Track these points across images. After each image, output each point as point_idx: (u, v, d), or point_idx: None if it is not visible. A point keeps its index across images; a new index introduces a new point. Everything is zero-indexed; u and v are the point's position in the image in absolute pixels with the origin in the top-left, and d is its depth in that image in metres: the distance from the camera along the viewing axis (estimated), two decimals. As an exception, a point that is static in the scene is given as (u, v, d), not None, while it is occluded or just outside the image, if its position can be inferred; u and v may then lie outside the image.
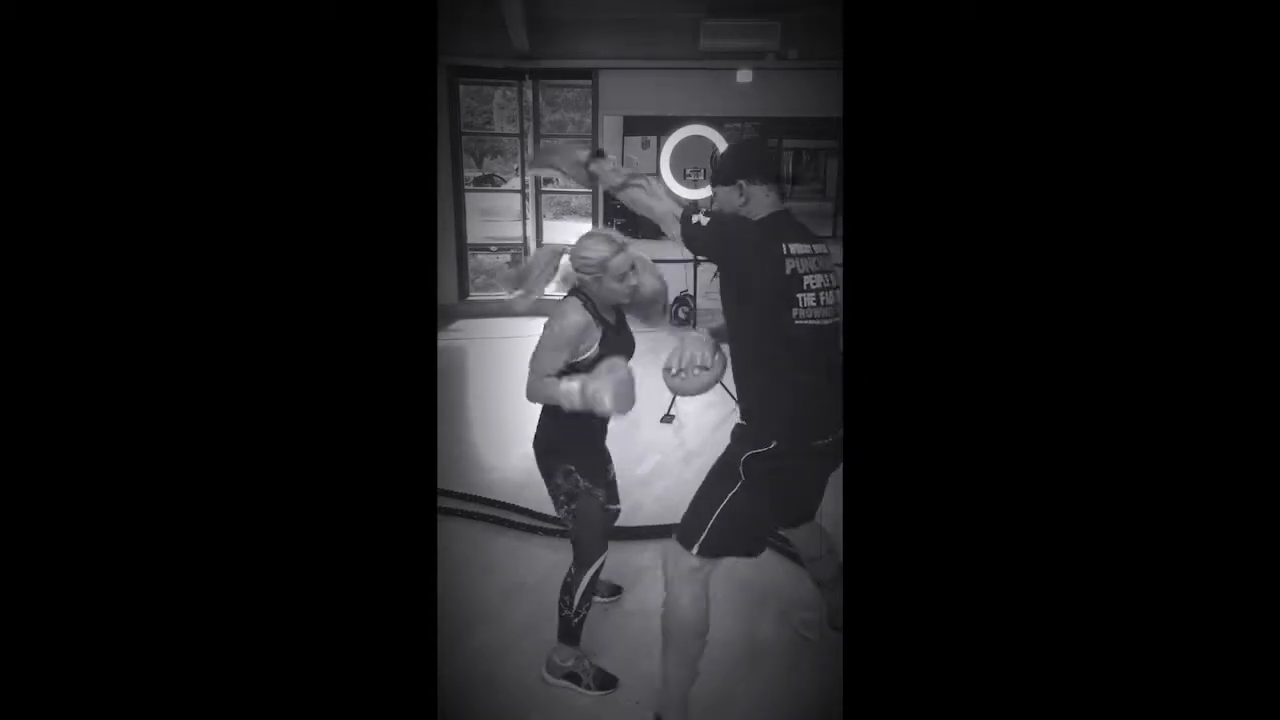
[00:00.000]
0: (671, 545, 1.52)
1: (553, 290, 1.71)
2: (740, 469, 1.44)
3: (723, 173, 1.50)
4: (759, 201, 1.47)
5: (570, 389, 1.49)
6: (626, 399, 1.51)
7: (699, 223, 1.41)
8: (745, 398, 1.49)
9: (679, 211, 1.45)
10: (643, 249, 1.69)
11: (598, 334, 1.59)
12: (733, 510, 1.45)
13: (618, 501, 1.92)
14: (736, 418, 1.52)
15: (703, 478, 1.55)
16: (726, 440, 1.53)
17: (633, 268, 1.59)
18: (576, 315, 1.57)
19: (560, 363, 1.56)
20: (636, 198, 1.51)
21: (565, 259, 1.65)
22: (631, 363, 1.65)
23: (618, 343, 1.66)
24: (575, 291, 1.63)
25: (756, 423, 1.46)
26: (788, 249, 1.38)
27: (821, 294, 1.41)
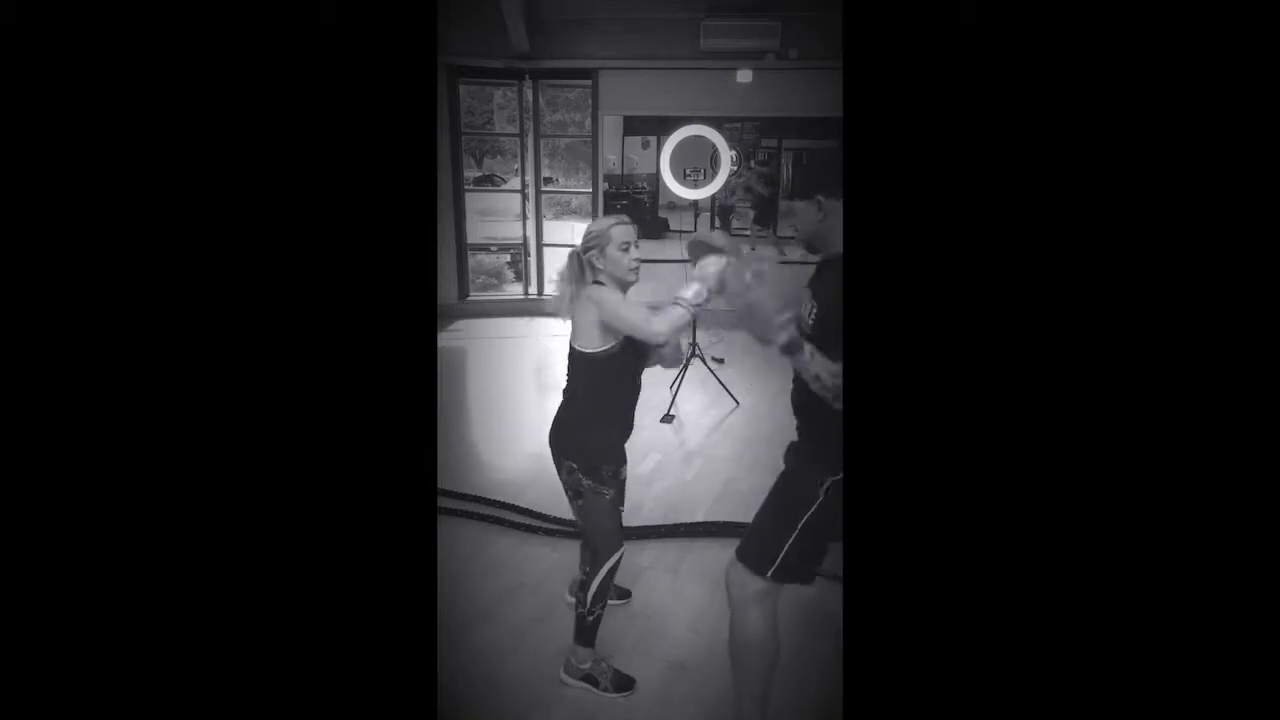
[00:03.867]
0: (737, 568, 1.45)
1: (556, 287, 1.72)
2: (821, 492, 1.36)
3: (803, 185, 1.42)
4: (836, 219, 1.35)
5: (628, 314, 1.54)
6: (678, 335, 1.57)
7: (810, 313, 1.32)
8: (817, 420, 1.39)
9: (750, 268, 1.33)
10: (643, 248, 1.70)
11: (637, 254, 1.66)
12: (809, 533, 1.38)
13: (622, 503, 1.90)
14: (736, 418, 1.50)
15: (705, 479, 1.52)
16: (727, 440, 1.52)
17: (635, 243, 1.64)
18: (616, 292, 1.62)
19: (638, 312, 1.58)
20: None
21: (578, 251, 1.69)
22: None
23: (637, 343, 1.67)
24: (597, 283, 1.65)
25: (835, 447, 1.35)
26: None
27: None
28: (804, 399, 1.38)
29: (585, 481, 1.67)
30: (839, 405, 1.28)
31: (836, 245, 1.37)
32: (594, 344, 1.61)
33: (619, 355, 1.62)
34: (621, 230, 1.63)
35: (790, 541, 1.38)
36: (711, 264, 1.52)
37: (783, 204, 1.49)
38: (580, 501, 1.68)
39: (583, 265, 1.66)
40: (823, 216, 1.38)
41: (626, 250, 1.63)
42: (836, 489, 1.35)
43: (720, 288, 1.50)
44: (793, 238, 1.39)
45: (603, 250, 1.63)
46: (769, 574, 1.39)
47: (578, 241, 1.70)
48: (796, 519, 1.38)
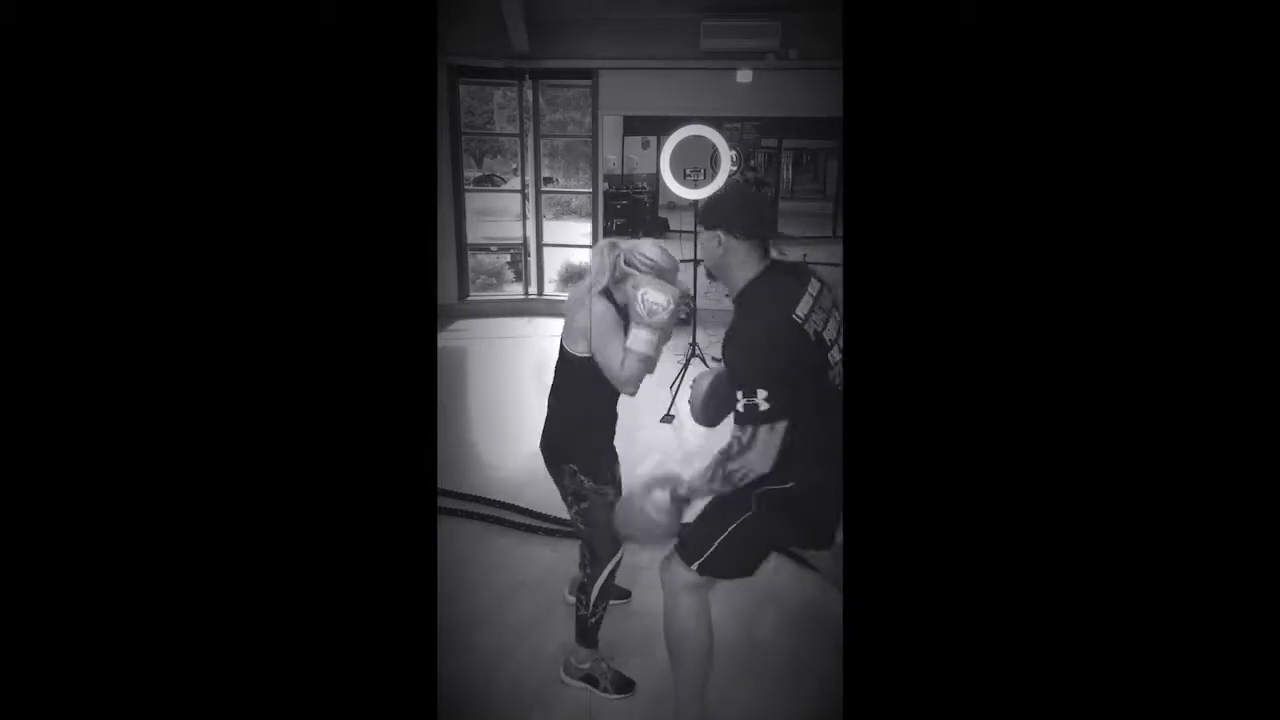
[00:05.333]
0: (673, 558, 1.50)
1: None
2: (752, 500, 1.40)
3: (705, 216, 1.41)
4: (738, 257, 1.37)
5: (644, 339, 1.53)
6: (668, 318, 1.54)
7: (754, 405, 1.28)
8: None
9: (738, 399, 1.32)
10: (641, 248, 1.68)
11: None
12: (739, 537, 1.43)
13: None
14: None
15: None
16: (726, 440, 1.52)
17: (669, 304, 1.54)
18: (607, 318, 1.58)
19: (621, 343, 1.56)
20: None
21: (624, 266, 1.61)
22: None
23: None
24: (604, 292, 1.61)
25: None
26: (800, 316, 1.30)
27: (839, 342, 1.36)
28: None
29: (588, 483, 1.67)
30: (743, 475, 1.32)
31: (737, 281, 1.39)
32: (583, 350, 1.61)
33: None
34: (658, 296, 1.51)
35: (718, 542, 1.43)
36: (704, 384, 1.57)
37: (701, 233, 1.45)
38: (584, 504, 1.68)
39: (614, 269, 1.59)
40: (723, 252, 1.38)
41: (651, 312, 1.52)
42: (769, 498, 1.39)
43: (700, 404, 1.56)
44: (794, 237, 1.40)
45: (638, 288, 1.53)
46: (695, 566, 1.45)
47: (606, 243, 1.65)
48: (727, 522, 1.43)
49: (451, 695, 1.69)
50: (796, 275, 1.40)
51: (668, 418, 3.67)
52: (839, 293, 1.17)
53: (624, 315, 1.59)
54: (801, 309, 1.32)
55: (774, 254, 1.41)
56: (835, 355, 1.35)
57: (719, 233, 1.37)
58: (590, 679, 1.76)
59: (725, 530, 1.43)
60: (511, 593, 2.17)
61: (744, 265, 1.38)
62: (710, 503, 1.50)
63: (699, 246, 1.50)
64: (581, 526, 1.71)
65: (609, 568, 1.69)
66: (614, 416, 1.77)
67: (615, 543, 1.70)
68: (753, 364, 1.30)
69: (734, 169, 5.64)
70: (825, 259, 4.91)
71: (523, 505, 2.65)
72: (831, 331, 1.36)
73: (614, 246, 1.62)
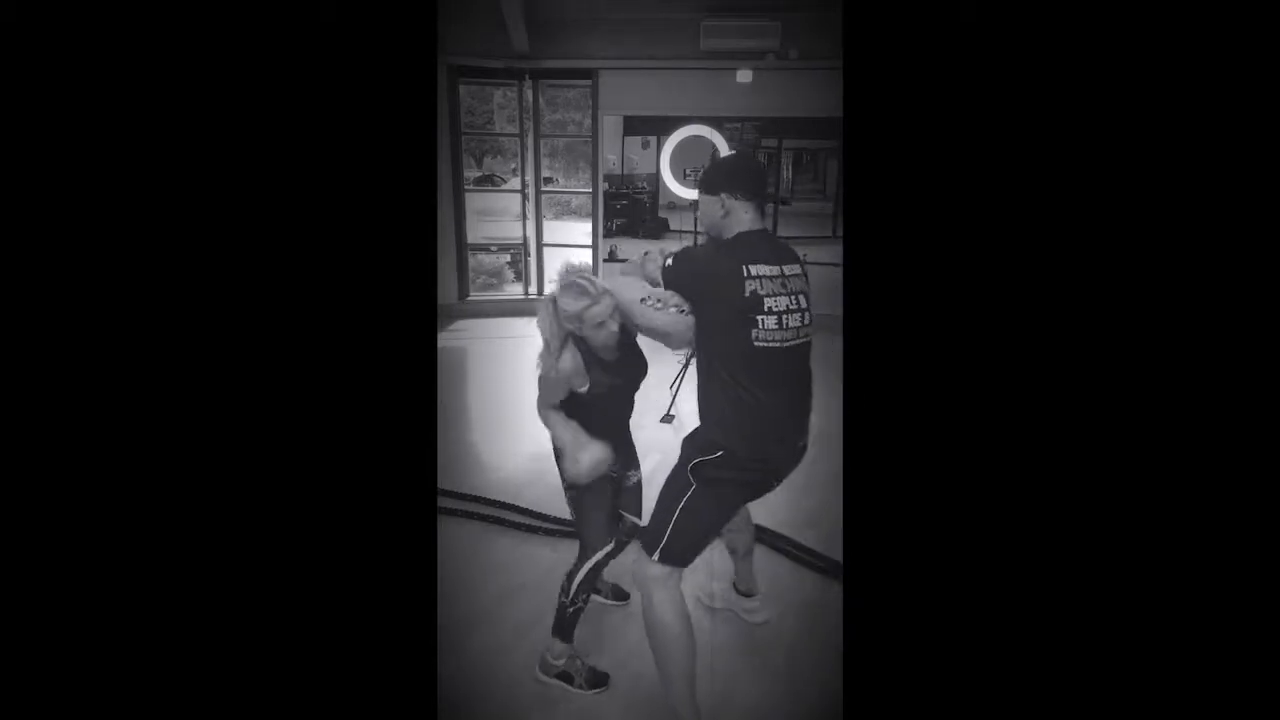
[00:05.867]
0: (639, 553, 1.55)
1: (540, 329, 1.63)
2: (689, 474, 1.49)
3: (708, 182, 1.51)
4: (737, 217, 1.48)
5: (561, 435, 1.56)
6: (594, 475, 1.57)
7: (667, 264, 1.48)
8: (700, 406, 1.53)
9: (658, 263, 1.52)
10: (643, 246, 1.69)
11: (586, 378, 1.57)
12: (687, 515, 1.50)
13: (638, 514, 1.84)
14: None
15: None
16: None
17: (613, 315, 1.51)
18: (565, 364, 1.54)
19: (560, 397, 1.60)
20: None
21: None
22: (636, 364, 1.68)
23: (615, 379, 1.62)
24: (570, 335, 1.57)
25: (705, 431, 1.51)
26: (748, 270, 1.40)
27: (785, 316, 1.42)
28: (704, 388, 1.50)
29: None
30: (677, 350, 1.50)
31: (728, 235, 1.48)
32: (580, 386, 1.60)
33: (602, 395, 1.61)
34: (596, 310, 1.49)
35: (671, 525, 1.50)
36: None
37: (699, 195, 1.55)
38: (573, 492, 1.69)
39: (559, 325, 1.56)
40: (724, 214, 1.48)
41: (600, 328, 1.51)
42: (703, 469, 1.47)
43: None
44: (794, 237, 1.45)
45: (579, 330, 1.53)
46: (655, 556, 1.51)
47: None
48: (675, 505, 1.51)
49: (451, 695, 1.69)
50: (775, 248, 1.49)
51: (668, 418, 3.67)
52: (838, 296, 1.21)
53: (589, 353, 1.58)
54: (758, 269, 1.40)
55: (765, 224, 1.52)
56: (767, 322, 1.40)
57: (722, 195, 1.47)
58: (565, 675, 1.76)
59: (675, 513, 1.50)
60: (511, 593, 2.17)
61: (740, 224, 1.48)
62: (660, 494, 1.57)
63: (700, 215, 1.57)
64: (572, 514, 1.72)
65: (595, 559, 1.70)
66: (623, 434, 1.78)
67: (606, 538, 1.71)
68: (680, 277, 1.46)
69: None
70: (825, 259, 4.93)
71: (523, 505, 2.65)
72: (778, 304, 1.41)
73: (547, 305, 1.58)
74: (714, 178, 1.51)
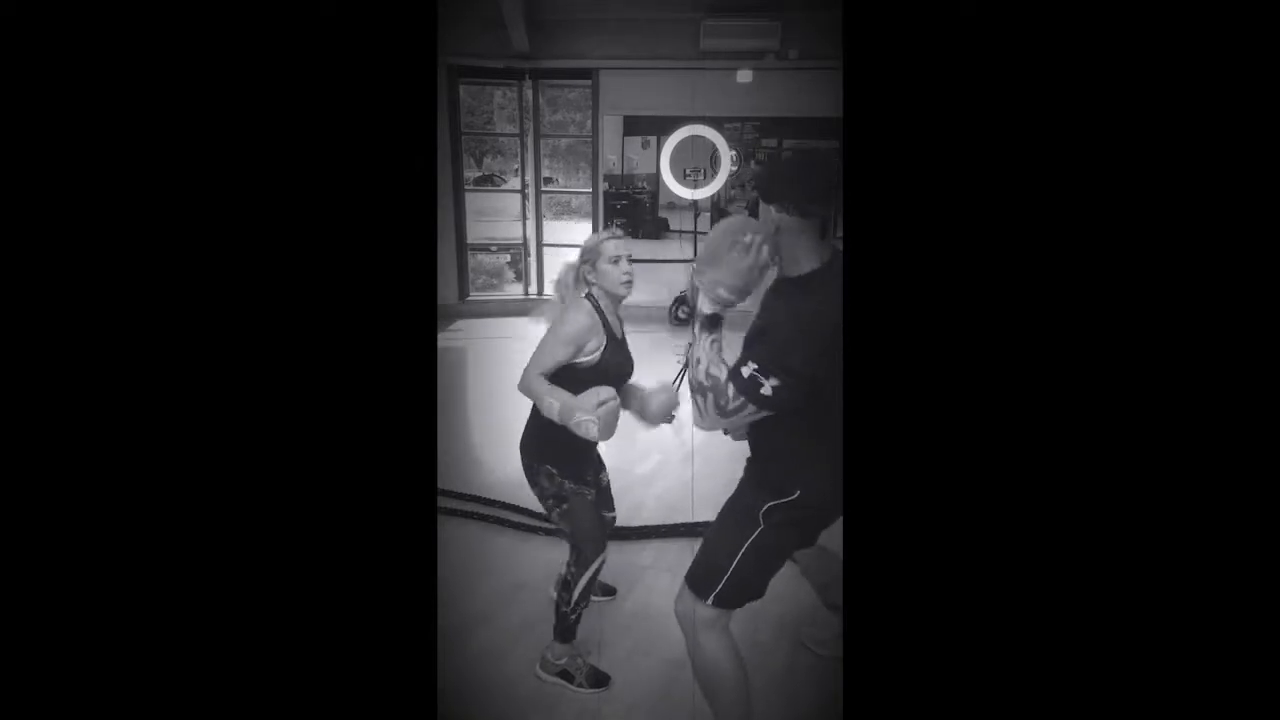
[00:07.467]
0: (685, 594, 1.43)
1: (554, 294, 1.76)
2: (760, 517, 1.36)
3: (768, 188, 1.29)
4: (796, 240, 1.24)
5: (551, 402, 1.50)
6: (610, 429, 1.51)
7: (756, 381, 1.21)
8: (761, 444, 1.40)
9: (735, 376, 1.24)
10: (643, 248, 1.71)
11: (602, 339, 1.61)
12: (749, 559, 1.37)
13: (612, 509, 1.93)
14: None
15: (705, 479, 1.53)
16: (727, 440, 1.51)
17: (628, 257, 1.66)
18: (584, 317, 1.60)
19: (559, 360, 1.57)
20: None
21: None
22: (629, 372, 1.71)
23: (619, 357, 1.68)
24: (587, 296, 1.67)
25: (780, 470, 1.37)
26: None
27: None
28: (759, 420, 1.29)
29: (568, 484, 1.68)
30: (706, 409, 1.26)
31: (795, 269, 1.28)
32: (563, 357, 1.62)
33: (592, 368, 1.62)
34: (613, 245, 1.65)
35: (730, 570, 1.36)
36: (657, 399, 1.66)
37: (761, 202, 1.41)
38: (565, 505, 1.69)
39: (578, 277, 1.70)
40: (778, 232, 1.27)
41: (617, 263, 1.65)
42: (776, 513, 1.34)
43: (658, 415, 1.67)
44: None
45: (594, 264, 1.66)
46: (709, 600, 1.38)
47: (580, 243, 1.73)
48: (736, 547, 1.37)
49: (451, 695, 1.69)
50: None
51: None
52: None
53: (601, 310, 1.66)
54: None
55: (836, 244, 1.28)
56: None
57: (772, 208, 1.27)
58: (565, 674, 1.76)
59: (736, 557, 1.37)
60: (511, 593, 2.17)
61: (807, 253, 1.26)
62: (714, 529, 1.45)
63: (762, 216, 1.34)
64: (565, 529, 1.72)
65: (593, 568, 1.70)
66: None
67: (600, 544, 1.71)
68: (779, 357, 1.19)
69: (734, 169, 5.65)
70: (825, 259, 4.91)
71: (523, 505, 2.65)
72: None
73: (566, 263, 1.75)
74: (768, 185, 1.28)
